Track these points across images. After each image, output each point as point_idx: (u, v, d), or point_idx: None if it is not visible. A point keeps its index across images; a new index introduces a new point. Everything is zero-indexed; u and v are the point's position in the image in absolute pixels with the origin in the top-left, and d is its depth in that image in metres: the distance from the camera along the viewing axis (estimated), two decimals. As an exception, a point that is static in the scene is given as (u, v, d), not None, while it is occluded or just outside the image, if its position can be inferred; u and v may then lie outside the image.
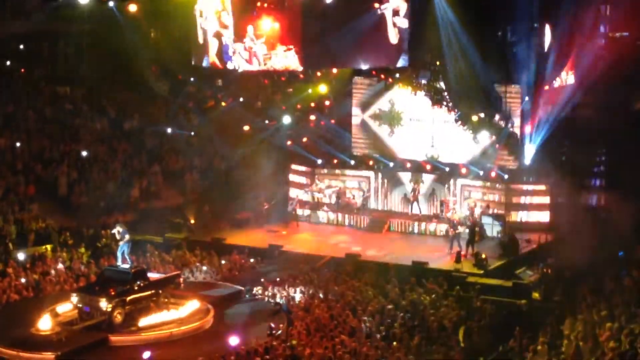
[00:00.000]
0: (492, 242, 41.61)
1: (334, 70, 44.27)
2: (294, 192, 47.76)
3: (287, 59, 39.74)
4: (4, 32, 48.75)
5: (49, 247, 39.75)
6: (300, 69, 40.53)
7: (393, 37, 37.60)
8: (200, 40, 40.30)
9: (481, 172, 44.27)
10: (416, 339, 28.56)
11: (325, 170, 48.13)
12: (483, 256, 38.36)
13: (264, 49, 40.31)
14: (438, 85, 41.23)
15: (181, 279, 34.67)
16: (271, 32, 40.37)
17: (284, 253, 41.36)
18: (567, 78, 41.80)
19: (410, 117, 46.16)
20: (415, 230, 44.26)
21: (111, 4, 38.08)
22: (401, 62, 38.59)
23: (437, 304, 32.80)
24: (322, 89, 47.48)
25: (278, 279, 36.80)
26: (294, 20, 39.75)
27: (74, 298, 31.70)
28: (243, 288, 35.97)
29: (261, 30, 40.26)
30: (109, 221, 41.43)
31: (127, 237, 34.89)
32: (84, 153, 46.07)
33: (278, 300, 34.44)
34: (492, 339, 29.23)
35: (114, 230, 35.29)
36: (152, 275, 33.57)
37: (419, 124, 45.90)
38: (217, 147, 50.28)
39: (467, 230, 40.53)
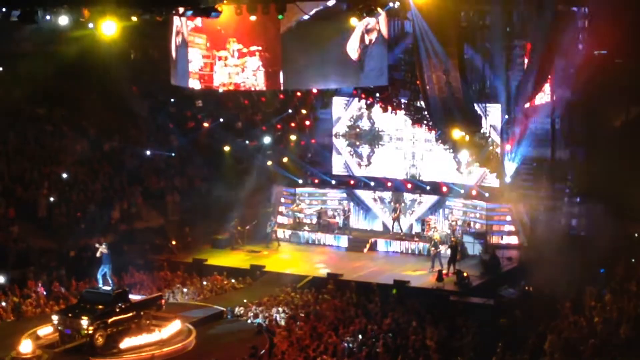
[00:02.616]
0: (474, 260, 41.71)
1: (314, 90, 44.30)
2: (274, 213, 47.70)
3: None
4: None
5: (30, 269, 39.50)
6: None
7: (360, 56, 37.82)
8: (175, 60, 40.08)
9: (462, 191, 44.41)
10: (399, 359, 28.52)
11: (306, 190, 48.14)
12: (465, 274, 38.43)
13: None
14: (418, 104, 41.35)
15: (163, 301, 34.55)
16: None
17: (266, 273, 41.31)
18: (546, 96, 41.96)
19: (391, 136, 46.30)
20: (397, 249, 44.27)
21: (91, 25, 37.94)
22: (381, 82, 38.76)
23: (419, 322, 32.78)
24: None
25: (260, 300, 36.73)
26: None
27: (55, 320, 31.55)
28: (225, 309, 35.90)
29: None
30: (89, 243, 41.25)
31: (108, 258, 34.81)
32: (64, 175, 45.89)
33: (260, 320, 34.38)
34: (474, 358, 29.23)
35: (97, 253, 35.20)
36: (134, 297, 33.45)
37: (399, 143, 46.05)
38: (198, 168, 50.20)
39: (449, 249, 40.59)
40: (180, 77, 39.92)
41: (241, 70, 38.25)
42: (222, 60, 38.41)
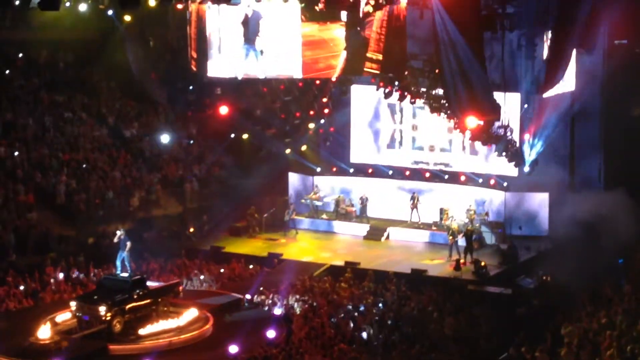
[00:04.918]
0: (492, 249, 41.62)
1: (333, 79, 44.23)
2: (291, 201, 47.65)
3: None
4: (3, 40, 48.76)
5: (48, 255, 39.64)
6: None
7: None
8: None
9: (480, 180, 44.32)
10: (416, 348, 28.52)
11: (324, 178, 48.11)
12: (482, 264, 38.38)
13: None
14: (436, 93, 41.17)
15: (180, 288, 34.62)
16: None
17: (283, 261, 41.35)
18: (567, 85, 41.76)
19: (409, 125, 46.20)
20: (414, 238, 44.21)
21: (110, 12, 38.02)
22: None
23: (436, 312, 32.77)
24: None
25: (277, 288, 36.76)
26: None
27: (73, 307, 31.66)
28: (242, 296, 35.96)
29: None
30: (108, 229, 41.39)
31: (127, 245, 34.90)
32: (83, 162, 45.98)
33: (277, 308, 34.41)
34: (492, 347, 29.21)
35: (115, 239, 35.31)
36: (152, 284, 33.53)
37: (418, 132, 45.93)
38: (216, 155, 50.28)
39: (464, 238, 40.54)
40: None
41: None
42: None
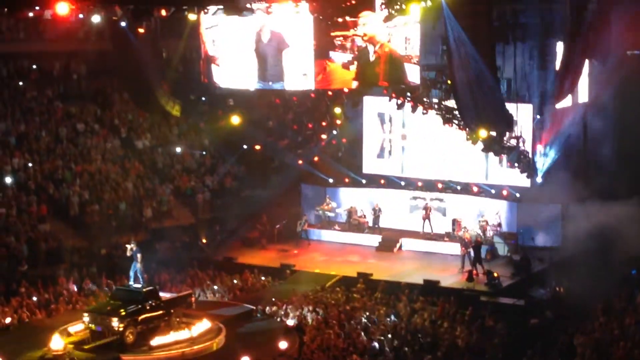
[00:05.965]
0: (504, 260, 41.53)
1: (345, 89, 44.26)
2: (304, 212, 47.65)
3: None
4: (17, 52, 48.94)
5: (61, 266, 39.74)
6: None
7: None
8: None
9: (493, 191, 44.23)
10: (428, 358, 28.48)
11: (336, 189, 48.09)
12: (495, 275, 38.31)
13: None
14: (449, 104, 41.16)
15: (193, 299, 34.63)
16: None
17: (296, 272, 41.33)
18: (579, 96, 41.71)
19: (421, 136, 46.17)
20: (427, 249, 44.14)
21: (123, 23, 38.07)
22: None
23: (449, 322, 32.73)
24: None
25: (289, 298, 36.75)
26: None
27: (86, 318, 31.71)
28: (254, 307, 35.95)
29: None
30: (120, 241, 41.46)
31: (139, 256, 34.92)
32: (96, 173, 46.10)
33: (290, 319, 34.39)
34: (504, 358, 29.15)
35: (128, 252, 35.36)
36: (164, 295, 33.55)
37: (430, 142, 45.90)
38: (228, 166, 50.34)
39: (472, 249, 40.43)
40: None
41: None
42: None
